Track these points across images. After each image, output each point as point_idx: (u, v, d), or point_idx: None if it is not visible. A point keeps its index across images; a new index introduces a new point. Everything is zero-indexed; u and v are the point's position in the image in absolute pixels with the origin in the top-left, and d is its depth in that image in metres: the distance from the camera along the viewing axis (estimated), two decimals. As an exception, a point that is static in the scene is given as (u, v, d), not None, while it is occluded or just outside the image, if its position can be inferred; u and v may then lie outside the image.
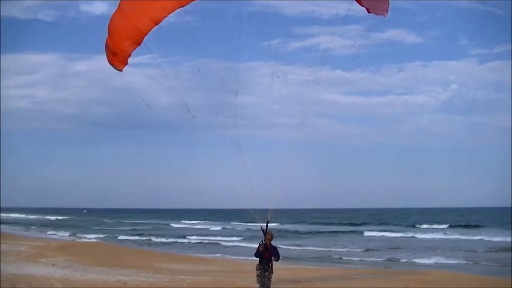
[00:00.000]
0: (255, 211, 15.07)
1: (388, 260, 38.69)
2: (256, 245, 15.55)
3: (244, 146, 14.88)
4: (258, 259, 15.16)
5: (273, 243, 15.22)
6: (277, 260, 15.16)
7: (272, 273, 15.18)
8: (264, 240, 15.08)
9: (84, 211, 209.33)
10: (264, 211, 15.25)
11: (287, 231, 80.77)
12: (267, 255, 15.02)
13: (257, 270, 15.09)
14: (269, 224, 15.09)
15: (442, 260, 37.30)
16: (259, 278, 15.04)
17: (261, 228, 15.16)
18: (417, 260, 38.05)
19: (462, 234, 66.68)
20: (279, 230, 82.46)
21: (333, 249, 47.79)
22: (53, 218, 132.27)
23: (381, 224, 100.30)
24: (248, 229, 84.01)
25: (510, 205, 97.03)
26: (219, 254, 42.49)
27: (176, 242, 59.07)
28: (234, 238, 63.48)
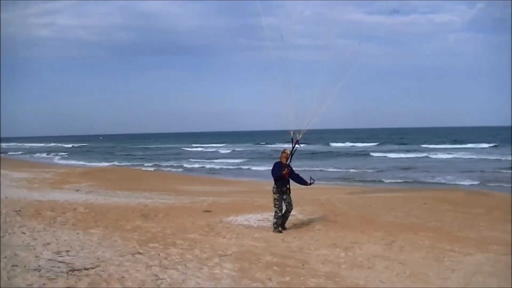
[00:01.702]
0: (291, 131, 14.73)
1: (401, 179, 38.85)
2: (269, 166, 15.35)
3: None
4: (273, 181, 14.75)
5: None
6: (309, 184, 14.85)
7: (290, 193, 14.88)
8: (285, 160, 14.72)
9: (100, 138, 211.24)
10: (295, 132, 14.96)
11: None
12: (287, 175, 14.66)
13: (274, 193, 14.72)
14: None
15: (457, 181, 37.35)
16: (277, 203, 14.67)
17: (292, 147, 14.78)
18: (431, 180, 38.23)
19: (479, 153, 66.48)
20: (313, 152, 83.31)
21: (343, 170, 48.12)
22: (69, 145, 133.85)
23: (399, 144, 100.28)
24: (258, 152, 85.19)
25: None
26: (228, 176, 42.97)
27: (184, 166, 60.32)
28: (238, 160, 64.73)
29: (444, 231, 14.92)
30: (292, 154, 14.84)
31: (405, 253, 12.16)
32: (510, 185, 33.34)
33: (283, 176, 14.63)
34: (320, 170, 48.72)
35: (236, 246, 12.62)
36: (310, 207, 18.94)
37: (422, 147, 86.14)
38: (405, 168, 49.35)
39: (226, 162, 63.25)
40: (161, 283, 9.08)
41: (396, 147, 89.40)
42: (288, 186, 14.81)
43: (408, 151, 76.68)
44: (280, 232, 14.54)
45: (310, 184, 14.82)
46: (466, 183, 36.03)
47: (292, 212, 16.85)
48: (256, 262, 10.96)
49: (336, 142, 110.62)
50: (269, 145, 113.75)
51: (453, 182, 36.29)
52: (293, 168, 14.87)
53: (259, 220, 16.30)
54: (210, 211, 18.05)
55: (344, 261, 11.42)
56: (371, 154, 72.67)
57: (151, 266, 10.18)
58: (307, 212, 17.95)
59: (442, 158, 62.22)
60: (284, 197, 14.76)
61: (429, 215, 17.65)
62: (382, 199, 21.92)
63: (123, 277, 9.31)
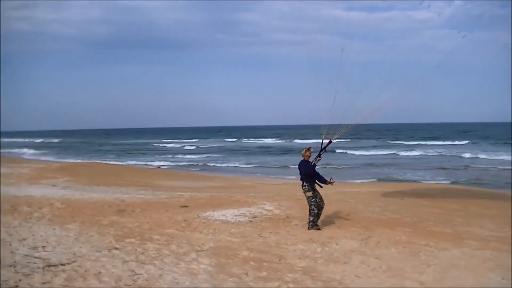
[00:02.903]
0: (326, 126, 14.34)
1: (374, 176, 38.80)
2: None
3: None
4: (300, 181, 14.55)
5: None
6: (329, 183, 14.60)
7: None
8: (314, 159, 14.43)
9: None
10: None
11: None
12: (313, 174, 14.51)
13: (307, 191, 14.44)
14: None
15: (426, 177, 37.45)
16: (312, 200, 14.41)
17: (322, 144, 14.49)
18: (401, 177, 38.37)
19: (451, 150, 66.59)
20: (268, 147, 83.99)
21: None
22: (38, 140, 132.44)
23: (369, 139, 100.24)
24: (225, 147, 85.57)
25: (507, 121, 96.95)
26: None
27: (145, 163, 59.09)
28: (199, 156, 64.87)
29: (420, 226, 15.05)
30: (321, 152, 14.59)
31: (381, 248, 12.26)
32: (479, 182, 33.75)
33: (311, 174, 14.47)
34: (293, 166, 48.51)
35: (213, 241, 12.64)
36: (287, 203, 19.01)
37: (391, 143, 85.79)
38: (372, 165, 49.21)
39: (191, 158, 63.06)
40: (138, 278, 9.08)
41: (365, 143, 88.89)
42: (316, 183, 14.65)
43: (377, 147, 76.50)
44: (319, 229, 14.37)
45: (331, 183, 14.62)
46: (434, 180, 35.63)
47: (269, 207, 16.94)
48: (233, 257, 11.00)
49: (303, 139, 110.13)
50: (243, 140, 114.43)
51: (420, 179, 36.31)
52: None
53: (236, 216, 16.33)
54: (187, 206, 18.05)
55: (320, 256, 11.49)
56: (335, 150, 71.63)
57: (127, 261, 10.17)
58: (284, 207, 18.03)
59: (410, 155, 61.74)
60: (317, 193, 14.59)
61: (406, 210, 17.79)
62: (359, 194, 22.05)
63: (99, 272, 9.29)
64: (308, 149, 14.63)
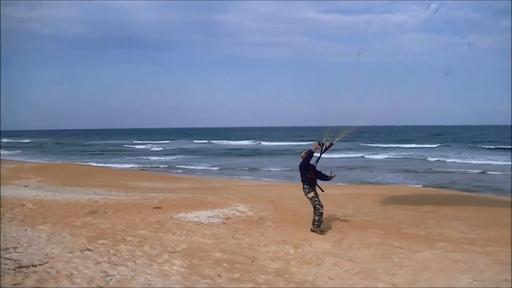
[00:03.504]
0: (327, 130, 14.24)
1: (345, 178, 38.69)
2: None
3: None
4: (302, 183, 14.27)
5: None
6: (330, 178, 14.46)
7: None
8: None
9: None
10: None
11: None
12: (314, 175, 14.29)
13: (309, 193, 14.22)
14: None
15: (391, 180, 37.68)
16: (316, 199, 14.16)
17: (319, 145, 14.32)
18: (373, 179, 38.51)
19: (420, 153, 67.15)
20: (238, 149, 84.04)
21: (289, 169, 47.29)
22: (5, 140, 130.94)
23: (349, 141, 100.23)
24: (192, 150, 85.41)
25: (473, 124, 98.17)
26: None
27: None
28: (169, 158, 65.39)
29: (393, 228, 15.17)
30: (320, 155, 14.51)
31: (354, 250, 12.34)
32: (450, 185, 34.07)
33: (310, 175, 14.24)
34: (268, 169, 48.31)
35: (186, 242, 12.62)
36: (260, 204, 19.03)
37: (362, 145, 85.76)
38: (343, 168, 48.69)
39: (158, 160, 63.03)
40: (110, 280, 9.04)
41: (336, 145, 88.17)
42: (317, 185, 14.41)
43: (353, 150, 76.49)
44: (322, 232, 14.10)
45: (332, 177, 14.48)
46: (406, 183, 35.79)
47: (242, 209, 16.95)
48: (206, 259, 10.99)
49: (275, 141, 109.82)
50: (213, 142, 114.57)
51: (392, 182, 36.49)
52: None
53: (209, 217, 16.30)
54: (160, 208, 17.98)
55: (293, 257, 11.53)
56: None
57: (100, 262, 10.11)
58: (257, 209, 18.03)
59: (378, 158, 62.01)
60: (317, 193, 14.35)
61: (379, 212, 17.91)
62: (332, 196, 22.10)
63: (71, 273, 9.23)
64: (306, 152, 14.43)
